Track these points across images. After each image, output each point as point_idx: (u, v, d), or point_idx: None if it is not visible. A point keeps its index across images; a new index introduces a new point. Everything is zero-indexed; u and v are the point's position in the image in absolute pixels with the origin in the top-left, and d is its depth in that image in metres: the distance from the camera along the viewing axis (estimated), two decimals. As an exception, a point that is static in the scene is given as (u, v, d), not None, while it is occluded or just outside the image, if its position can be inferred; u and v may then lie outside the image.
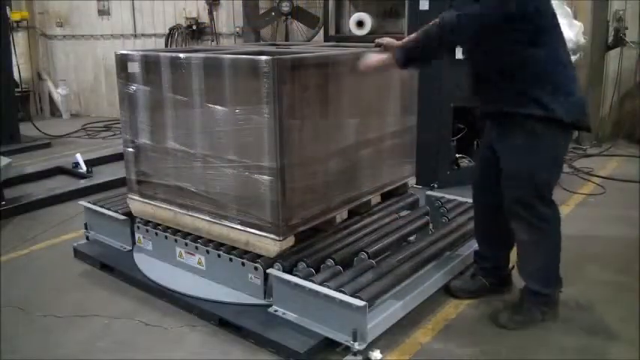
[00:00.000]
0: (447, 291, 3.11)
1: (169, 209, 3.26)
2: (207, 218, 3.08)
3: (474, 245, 3.26)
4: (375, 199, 3.59)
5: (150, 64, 3.17)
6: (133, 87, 3.24)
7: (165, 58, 3.08)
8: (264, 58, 2.68)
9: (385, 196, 3.72)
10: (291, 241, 2.91)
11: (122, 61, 3.28)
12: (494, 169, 2.80)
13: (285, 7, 7.34)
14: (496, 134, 2.78)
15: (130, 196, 3.50)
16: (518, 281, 2.96)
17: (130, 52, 3.30)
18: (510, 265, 3.13)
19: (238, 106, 2.82)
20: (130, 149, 3.39)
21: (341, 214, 3.27)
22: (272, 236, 2.84)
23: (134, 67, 3.22)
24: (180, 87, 3.03)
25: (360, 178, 3.38)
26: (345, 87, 3.11)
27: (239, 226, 2.96)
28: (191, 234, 3.22)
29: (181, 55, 3.01)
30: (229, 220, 3.00)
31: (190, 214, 3.16)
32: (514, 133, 2.65)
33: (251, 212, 2.89)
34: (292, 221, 2.89)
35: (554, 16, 2.62)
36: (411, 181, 3.95)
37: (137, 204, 3.46)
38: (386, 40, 2.94)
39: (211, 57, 2.94)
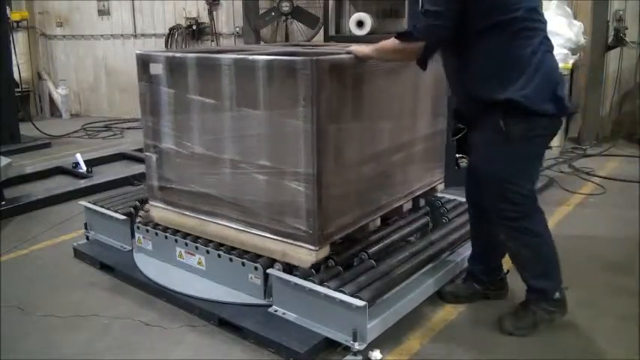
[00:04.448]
0: (439, 295, 3.07)
1: (195, 217, 3.15)
2: (236, 226, 2.97)
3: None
4: (407, 205, 3.45)
5: (175, 65, 3.02)
6: (156, 89, 3.12)
7: (192, 60, 2.94)
8: (302, 59, 2.55)
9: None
10: (326, 250, 2.79)
11: (143, 61, 3.13)
12: None
13: (285, 7, 7.35)
14: None
15: (152, 203, 3.38)
16: (515, 286, 2.95)
17: (152, 53, 3.16)
18: (505, 269, 3.11)
19: (272, 109, 2.69)
20: (152, 154, 3.26)
21: (374, 222, 3.15)
22: (307, 246, 2.71)
23: (157, 69, 3.08)
24: (209, 90, 2.90)
25: (393, 183, 3.24)
26: (380, 89, 2.97)
27: (270, 235, 2.83)
28: (191, 234, 3.22)
29: (210, 57, 2.89)
30: (260, 228, 2.87)
31: (217, 222, 3.05)
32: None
33: (284, 221, 2.77)
34: (328, 230, 2.76)
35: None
36: (440, 186, 3.81)
37: (160, 211, 3.34)
38: (354, 47, 2.81)
39: (243, 58, 2.79)
